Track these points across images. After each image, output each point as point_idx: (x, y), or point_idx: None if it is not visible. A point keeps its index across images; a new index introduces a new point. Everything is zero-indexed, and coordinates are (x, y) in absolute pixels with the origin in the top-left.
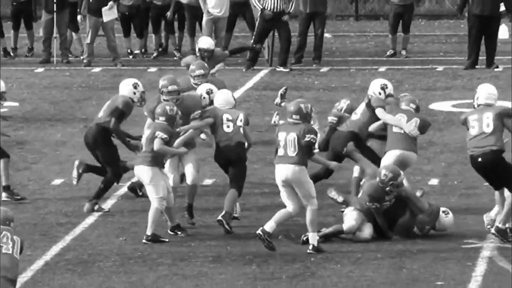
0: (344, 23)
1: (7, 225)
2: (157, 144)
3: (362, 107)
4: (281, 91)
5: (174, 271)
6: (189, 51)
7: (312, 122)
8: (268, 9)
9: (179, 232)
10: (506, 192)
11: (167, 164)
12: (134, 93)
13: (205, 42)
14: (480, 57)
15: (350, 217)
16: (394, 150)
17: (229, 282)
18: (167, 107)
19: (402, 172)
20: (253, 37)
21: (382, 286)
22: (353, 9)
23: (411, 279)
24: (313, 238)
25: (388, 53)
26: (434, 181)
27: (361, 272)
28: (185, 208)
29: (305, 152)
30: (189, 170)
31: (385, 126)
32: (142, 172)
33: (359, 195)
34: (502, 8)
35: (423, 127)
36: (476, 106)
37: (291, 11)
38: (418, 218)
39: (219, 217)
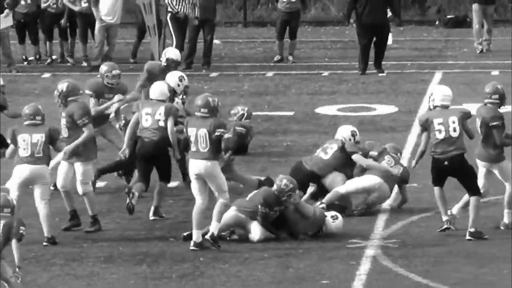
0: (233, 30)
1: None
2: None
3: (333, 148)
4: None
5: (66, 271)
6: (82, 57)
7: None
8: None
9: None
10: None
11: None
12: (178, 85)
13: (174, 53)
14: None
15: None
16: (375, 176)
17: (120, 281)
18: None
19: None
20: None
21: (269, 285)
22: (242, 16)
23: (298, 278)
24: (215, 227)
25: (275, 58)
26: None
27: (249, 272)
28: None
29: (216, 146)
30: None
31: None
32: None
33: (249, 196)
34: (389, 13)
35: (406, 176)
36: (431, 107)
37: (197, 15)
38: (302, 224)
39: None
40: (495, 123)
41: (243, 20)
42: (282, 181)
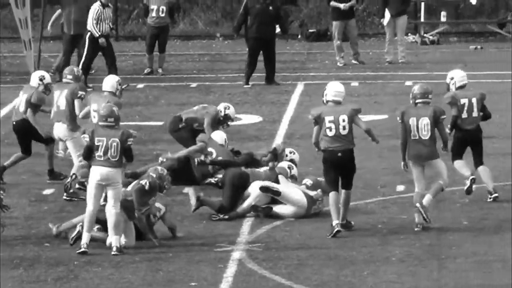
0: None
1: None
2: None
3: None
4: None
5: None
6: None
7: None
8: (102, 33)
9: None
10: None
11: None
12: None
13: (233, 112)
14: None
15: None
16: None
17: None
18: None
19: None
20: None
21: (140, 287)
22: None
23: (167, 280)
24: (116, 240)
25: (145, 71)
26: None
27: (121, 275)
28: None
29: (127, 156)
30: None
31: None
32: None
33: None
34: (278, 29)
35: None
36: (325, 101)
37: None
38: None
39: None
40: (444, 116)
41: (115, 35)
42: (156, 169)
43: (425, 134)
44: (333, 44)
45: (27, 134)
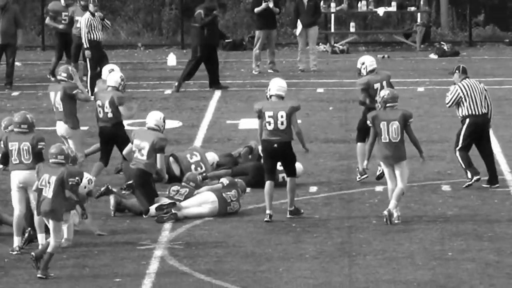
0: (32, 53)
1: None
2: None
3: (146, 148)
4: None
5: None
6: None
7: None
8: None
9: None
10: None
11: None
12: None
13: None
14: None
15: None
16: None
17: None
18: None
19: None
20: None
21: (67, 282)
22: (40, 40)
23: (93, 276)
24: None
25: None
26: None
27: (49, 271)
28: None
29: (38, 159)
30: None
31: None
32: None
33: None
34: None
35: None
36: (268, 97)
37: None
38: None
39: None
40: (411, 120)
41: (42, 45)
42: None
43: (395, 137)
44: (252, 52)
45: None
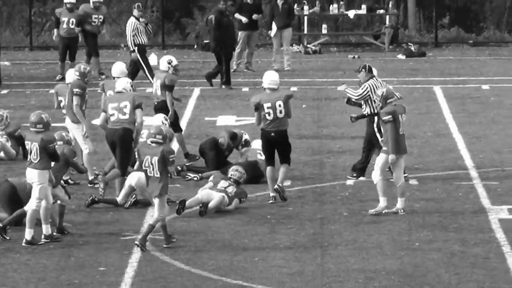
0: (21, 53)
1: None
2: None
3: (128, 107)
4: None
5: None
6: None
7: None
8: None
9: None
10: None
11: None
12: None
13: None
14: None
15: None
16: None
17: None
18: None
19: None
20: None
21: (54, 271)
22: (28, 41)
23: (78, 265)
24: (29, 233)
25: (57, 77)
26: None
27: (37, 260)
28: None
29: (49, 158)
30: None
31: None
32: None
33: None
34: None
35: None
36: (263, 89)
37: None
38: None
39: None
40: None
41: (30, 45)
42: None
43: (404, 130)
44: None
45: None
